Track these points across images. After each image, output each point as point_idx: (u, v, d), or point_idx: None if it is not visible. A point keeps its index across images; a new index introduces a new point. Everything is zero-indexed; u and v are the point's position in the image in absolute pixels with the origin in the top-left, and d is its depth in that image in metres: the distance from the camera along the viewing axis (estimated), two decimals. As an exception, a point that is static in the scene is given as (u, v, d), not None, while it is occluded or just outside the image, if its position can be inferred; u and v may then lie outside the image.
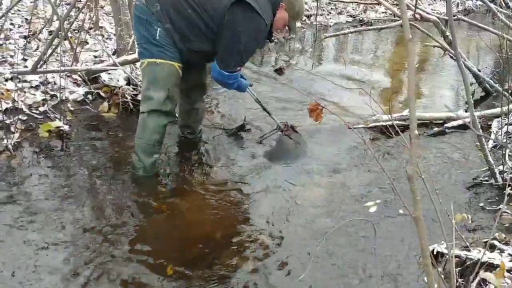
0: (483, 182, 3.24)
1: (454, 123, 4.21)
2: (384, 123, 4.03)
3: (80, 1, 5.23)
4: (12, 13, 5.09)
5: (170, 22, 2.99)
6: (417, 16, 4.50)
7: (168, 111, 3.11)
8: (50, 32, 4.77)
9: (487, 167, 3.19)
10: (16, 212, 2.71)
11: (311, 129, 4.03)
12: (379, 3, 5.16)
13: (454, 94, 5.42)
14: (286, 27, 3.27)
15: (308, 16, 8.62)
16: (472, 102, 3.01)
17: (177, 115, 3.69)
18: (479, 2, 8.03)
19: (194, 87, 3.52)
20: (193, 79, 3.46)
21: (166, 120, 3.14)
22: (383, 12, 9.13)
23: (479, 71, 5.22)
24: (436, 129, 4.19)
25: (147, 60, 3.05)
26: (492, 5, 4.66)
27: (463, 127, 4.16)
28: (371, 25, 7.70)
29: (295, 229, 2.78)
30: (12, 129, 3.40)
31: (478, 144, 3.31)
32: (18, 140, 3.37)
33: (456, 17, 4.85)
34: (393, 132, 2.37)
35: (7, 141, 3.28)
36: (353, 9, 9.20)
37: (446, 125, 4.22)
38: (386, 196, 3.11)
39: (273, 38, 3.31)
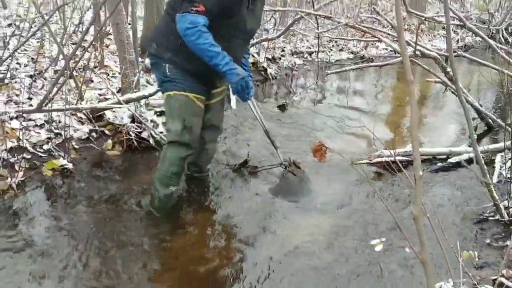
0: (489, 217, 3.22)
1: (458, 158, 4.20)
2: (387, 159, 4.03)
3: (85, 40, 5.32)
4: (19, 53, 5.17)
5: (167, 50, 3.04)
6: (417, 52, 4.57)
7: (186, 142, 3.09)
8: (56, 71, 4.84)
9: (492, 203, 3.17)
10: (19, 252, 2.69)
11: (315, 165, 4.03)
12: (379, 40, 5.23)
13: (457, 128, 5.43)
14: None
15: (310, 53, 8.74)
16: (475, 138, 3.03)
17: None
18: (478, 38, 8.14)
19: (208, 127, 3.44)
20: (209, 119, 3.41)
21: (185, 152, 3.12)
22: (384, 49, 9.24)
23: (481, 106, 5.25)
24: (439, 164, 4.19)
25: (164, 95, 3.14)
26: (491, 41, 4.74)
27: (467, 161, 4.15)
28: (372, 62, 7.79)
29: (300, 269, 2.75)
30: (16, 167, 3.41)
31: (483, 178, 3.30)
32: (22, 178, 3.36)
33: (456, 53, 4.92)
34: (396, 168, 2.37)
35: (11, 180, 3.28)
36: (354, 46, 9.33)
37: (449, 160, 4.21)
38: (391, 233, 3.08)
39: None
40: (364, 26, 5.37)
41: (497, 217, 3.16)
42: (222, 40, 2.89)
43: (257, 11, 3.19)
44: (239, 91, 3.02)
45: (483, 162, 3.07)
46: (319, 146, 2.21)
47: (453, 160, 4.19)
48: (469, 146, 4.34)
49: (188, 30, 2.78)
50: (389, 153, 4.04)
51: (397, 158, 4.05)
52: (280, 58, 8.13)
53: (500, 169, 3.91)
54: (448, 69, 4.69)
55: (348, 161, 2.17)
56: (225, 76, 2.93)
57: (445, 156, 4.30)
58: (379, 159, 4.13)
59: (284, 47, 8.52)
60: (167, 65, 3.05)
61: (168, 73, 3.06)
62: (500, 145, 4.23)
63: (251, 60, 6.59)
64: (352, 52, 9.26)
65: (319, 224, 3.24)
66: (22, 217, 3.03)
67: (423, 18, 4.74)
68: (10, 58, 4.24)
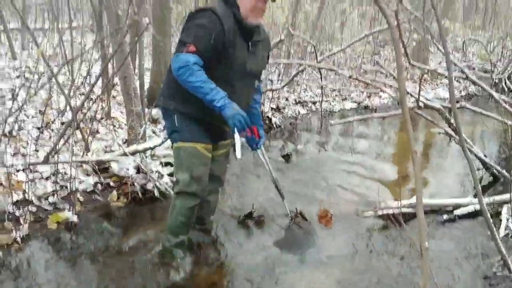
0: (497, 273, 3.16)
1: (464, 210, 4.18)
2: (392, 211, 4.01)
3: (93, 92, 5.41)
4: (27, 104, 5.25)
5: (170, 99, 3.09)
6: (420, 104, 4.62)
7: (193, 193, 3.09)
8: (63, 123, 4.90)
9: (500, 257, 3.12)
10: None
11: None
12: (381, 90, 5.30)
13: (462, 179, 5.40)
14: (258, 2, 2.97)
15: (313, 102, 8.83)
16: (481, 190, 3.02)
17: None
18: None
19: (211, 178, 3.32)
20: (212, 170, 3.32)
21: (192, 202, 3.12)
22: (387, 98, 9.31)
23: (486, 156, 5.25)
24: (445, 216, 4.16)
25: (174, 146, 3.16)
26: (495, 93, 4.79)
27: (473, 214, 4.13)
28: (375, 111, 7.86)
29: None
30: (22, 221, 3.41)
31: (489, 233, 3.27)
32: (27, 232, 3.36)
33: (459, 104, 4.96)
34: (402, 220, 2.37)
35: (16, 233, 3.28)
36: (357, 95, 9.41)
37: (455, 212, 4.18)
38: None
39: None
40: (367, 78, 5.46)
41: (505, 272, 3.11)
42: (222, 82, 2.91)
43: (259, 53, 3.19)
44: (238, 127, 2.86)
45: (489, 215, 3.05)
46: (324, 213, 2.21)
47: (459, 212, 4.16)
48: (475, 197, 4.32)
49: (180, 70, 2.81)
50: (395, 205, 4.02)
51: (403, 210, 4.03)
52: (284, 108, 8.22)
53: (507, 222, 3.87)
54: (452, 121, 4.72)
55: (354, 212, 2.16)
56: (221, 112, 2.83)
57: (451, 208, 4.27)
58: (384, 211, 4.11)
59: (288, 97, 8.62)
60: (174, 115, 3.09)
61: (176, 123, 3.09)
62: (506, 196, 4.20)
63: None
64: (355, 102, 9.34)
65: (325, 279, 3.19)
66: (26, 271, 3.00)
67: (426, 70, 4.81)
68: (18, 110, 4.31)
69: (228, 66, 2.99)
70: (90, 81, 6.26)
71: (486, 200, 3.67)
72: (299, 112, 8.28)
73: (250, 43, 3.08)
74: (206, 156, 3.14)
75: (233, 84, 3.02)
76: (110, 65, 5.76)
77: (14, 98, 4.43)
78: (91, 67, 5.30)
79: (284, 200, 3.84)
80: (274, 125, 7.33)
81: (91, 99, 4.91)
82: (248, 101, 3.28)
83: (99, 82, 5.59)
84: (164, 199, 4.19)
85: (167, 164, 4.68)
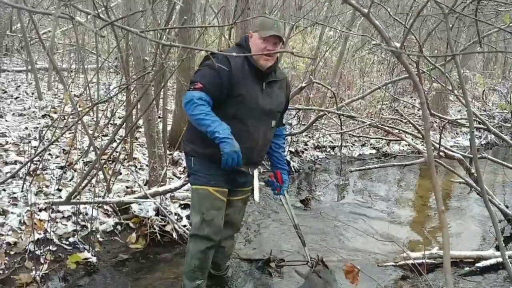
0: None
1: (486, 263, 4.11)
2: (413, 261, 3.95)
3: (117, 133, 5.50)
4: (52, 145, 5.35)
5: (189, 142, 3.18)
6: (441, 154, 4.61)
7: (205, 236, 3.10)
8: (85, 163, 4.97)
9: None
10: None
11: (341, 265, 3.95)
12: (401, 139, 5.30)
13: (483, 230, 5.32)
14: (268, 46, 3.05)
15: (332, 147, 8.85)
16: (503, 244, 2.97)
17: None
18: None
19: (225, 223, 3.31)
20: (228, 216, 3.34)
21: (204, 245, 3.12)
22: (406, 145, 9.29)
23: (507, 207, 5.18)
24: (467, 268, 4.09)
25: (191, 188, 3.22)
26: (515, 145, 4.76)
27: (496, 267, 4.05)
28: (394, 158, 7.83)
29: None
30: (42, 260, 3.44)
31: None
32: (46, 271, 3.39)
33: (480, 154, 4.94)
34: (423, 271, 2.34)
35: (36, 273, 3.30)
36: (376, 142, 9.40)
37: (477, 264, 4.11)
38: None
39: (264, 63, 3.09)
40: (387, 126, 5.48)
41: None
42: (233, 119, 3.01)
43: (274, 92, 3.23)
44: (228, 163, 2.87)
45: (512, 269, 2.99)
46: (351, 268, 2.19)
47: (480, 264, 4.09)
48: (497, 249, 4.25)
49: (186, 105, 2.94)
50: (416, 255, 3.97)
51: (424, 261, 3.97)
52: (303, 152, 8.24)
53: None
54: (473, 171, 4.69)
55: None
56: (220, 144, 2.87)
57: (472, 260, 4.20)
58: (405, 261, 4.05)
59: (307, 142, 8.65)
60: (192, 158, 3.17)
61: (192, 166, 3.17)
62: (530, 250, 4.14)
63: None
64: (374, 148, 9.33)
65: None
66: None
67: (447, 121, 4.82)
68: (44, 150, 4.39)
69: (239, 104, 3.06)
70: (113, 121, 6.39)
71: (508, 253, 3.61)
72: (317, 157, 8.29)
73: (264, 83, 3.15)
74: (219, 199, 3.15)
75: (245, 122, 3.07)
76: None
77: (40, 139, 4.52)
78: (116, 109, 5.42)
79: (305, 247, 3.80)
80: (293, 169, 7.34)
81: (115, 140, 4.99)
82: (265, 141, 3.28)
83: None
84: (182, 242, 4.19)
85: (185, 206, 4.71)
